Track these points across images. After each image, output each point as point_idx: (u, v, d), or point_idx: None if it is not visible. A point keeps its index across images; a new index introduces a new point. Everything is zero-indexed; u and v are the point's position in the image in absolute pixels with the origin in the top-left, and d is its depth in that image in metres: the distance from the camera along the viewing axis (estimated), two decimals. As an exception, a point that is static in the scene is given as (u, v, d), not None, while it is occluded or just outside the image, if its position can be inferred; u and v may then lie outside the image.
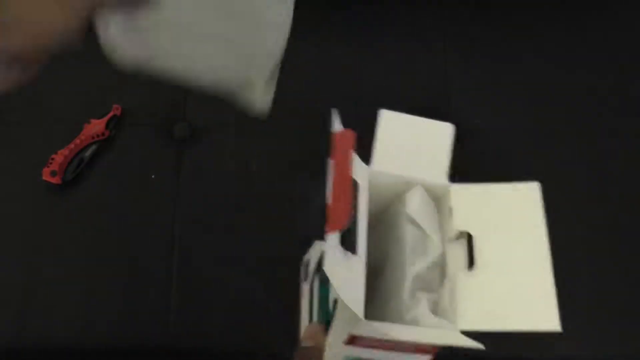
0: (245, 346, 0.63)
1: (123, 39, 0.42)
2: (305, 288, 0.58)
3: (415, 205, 0.45)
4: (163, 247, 0.66)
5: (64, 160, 0.67)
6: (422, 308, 0.42)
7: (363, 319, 0.37)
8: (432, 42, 0.72)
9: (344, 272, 0.38)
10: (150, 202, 0.67)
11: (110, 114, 0.69)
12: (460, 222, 0.45)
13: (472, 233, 0.44)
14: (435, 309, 0.44)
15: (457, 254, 0.45)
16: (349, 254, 0.39)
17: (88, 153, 0.68)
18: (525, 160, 0.67)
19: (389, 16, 0.73)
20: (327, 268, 0.35)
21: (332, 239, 0.37)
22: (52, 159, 0.67)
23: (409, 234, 0.45)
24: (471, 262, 0.43)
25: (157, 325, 0.64)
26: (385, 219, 0.49)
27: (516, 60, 0.71)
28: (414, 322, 0.42)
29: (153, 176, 0.68)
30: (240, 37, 0.41)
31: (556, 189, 0.67)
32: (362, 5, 0.74)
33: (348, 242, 0.39)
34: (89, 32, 0.68)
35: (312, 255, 0.57)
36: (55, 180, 0.66)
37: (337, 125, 0.43)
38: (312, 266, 0.56)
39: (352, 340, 0.41)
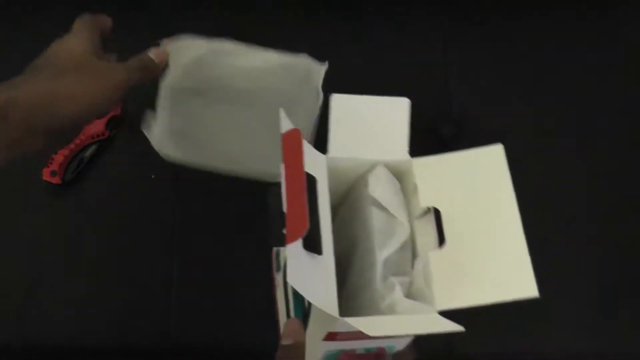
0: (246, 346, 0.63)
1: (165, 140, 0.54)
2: (278, 279, 0.56)
3: (378, 186, 0.44)
4: (163, 247, 0.66)
5: (64, 160, 0.67)
6: (396, 294, 0.41)
7: (339, 318, 0.36)
8: (431, 40, 0.72)
9: (312, 275, 0.37)
10: (150, 202, 0.67)
11: (110, 114, 0.69)
12: (426, 197, 0.44)
13: (439, 208, 0.43)
14: (411, 292, 0.43)
15: (426, 231, 0.44)
16: (315, 255, 0.38)
17: (88, 153, 0.68)
18: (526, 159, 0.67)
19: (388, 13, 0.73)
20: (291, 280, 0.34)
21: (293, 248, 0.36)
22: (52, 159, 0.67)
23: (374, 217, 0.43)
24: (441, 239, 0.42)
25: (157, 325, 0.64)
26: (349, 204, 0.48)
27: (517, 59, 0.71)
28: (390, 310, 0.41)
29: (153, 176, 0.67)
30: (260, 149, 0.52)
31: (556, 189, 0.67)
32: (360, 2, 0.74)
33: (312, 244, 0.38)
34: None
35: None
36: (55, 180, 0.66)
37: (284, 126, 0.41)
38: (283, 255, 0.54)
39: (331, 337, 0.40)
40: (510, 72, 0.71)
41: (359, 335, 0.38)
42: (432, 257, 0.42)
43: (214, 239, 0.66)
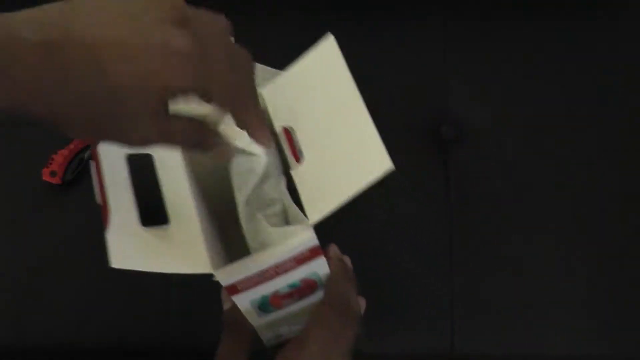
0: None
1: None
2: None
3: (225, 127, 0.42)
4: (163, 247, 0.66)
5: (64, 160, 0.67)
6: (262, 228, 0.40)
7: (214, 271, 0.36)
8: (431, 41, 0.72)
9: (155, 248, 0.37)
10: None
11: (110, 114, 0.69)
12: (278, 119, 0.43)
13: (292, 125, 0.42)
14: (288, 217, 0.42)
15: (285, 154, 0.43)
16: (161, 226, 0.38)
17: (88, 153, 0.68)
18: (526, 160, 0.67)
19: (388, 14, 0.73)
20: (117, 264, 0.35)
21: (111, 233, 0.36)
22: (52, 159, 0.67)
23: (232, 162, 0.43)
24: (298, 155, 0.41)
25: (157, 325, 0.64)
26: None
27: (518, 60, 0.71)
28: (265, 245, 0.40)
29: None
30: None
31: (557, 189, 0.67)
32: (360, 3, 0.74)
33: (155, 216, 0.38)
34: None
35: None
36: (55, 180, 0.66)
37: None
38: None
39: (233, 290, 0.40)
40: (511, 72, 0.71)
41: (260, 278, 0.39)
42: (295, 175, 0.41)
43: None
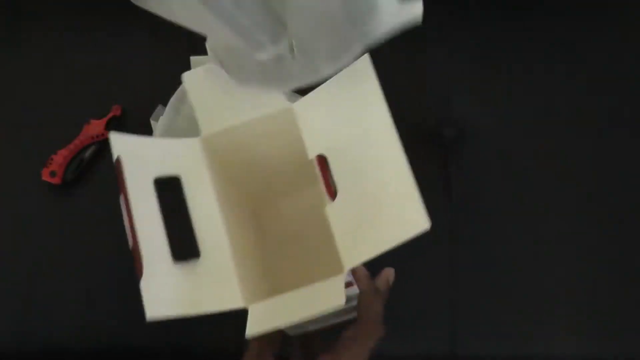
0: (247, 346, 0.63)
1: (166, 136, 0.54)
2: None
3: None
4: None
5: (63, 160, 0.67)
6: None
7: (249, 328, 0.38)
8: (432, 43, 0.72)
9: (191, 290, 0.38)
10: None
11: (110, 115, 0.69)
12: (312, 147, 0.41)
13: (326, 154, 0.40)
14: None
15: (319, 189, 0.41)
16: (190, 261, 0.38)
17: (88, 153, 0.68)
18: (526, 160, 0.67)
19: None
20: (155, 315, 0.35)
21: (144, 283, 0.37)
22: (52, 159, 0.67)
23: None
24: (332, 192, 0.40)
25: (157, 325, 0.64)
26: None
27: (519, 61, 0.71)
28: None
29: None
30: None
31: (557, 189, 0.67)
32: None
33: (183, 250, 0.38)
34: (88, 33, 0.69)
35: None
36: (55, 180, 0.66)
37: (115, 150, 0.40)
38: None
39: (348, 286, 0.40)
40: (512, 73, 0.70)
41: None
42: (329, 212, 0.40)
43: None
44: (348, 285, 0.40)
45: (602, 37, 0.72)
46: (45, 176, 0.66)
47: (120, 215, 0.67)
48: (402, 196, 0.38)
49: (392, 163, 0.38)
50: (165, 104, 0.66)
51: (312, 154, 0.41)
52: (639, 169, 0.67)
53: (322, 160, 0.41)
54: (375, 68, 0.41)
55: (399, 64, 0.71)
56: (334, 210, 0.40)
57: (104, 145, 0.69)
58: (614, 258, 0.64)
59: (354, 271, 0.42)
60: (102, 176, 0.68)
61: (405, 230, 0.36)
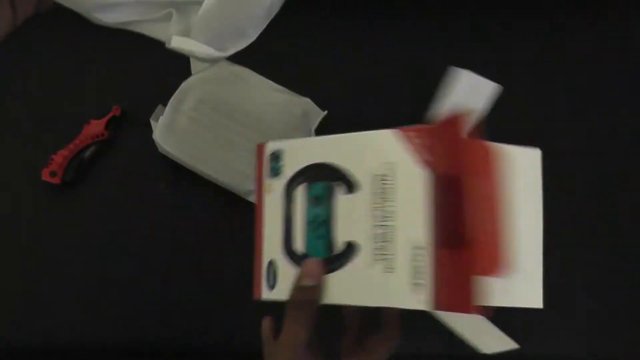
0: (247, 346, 0.63)
1: (166, 134, 0.64)
2: (273, 197, 0.45)
3: None
4: (163, 247, 0.66)
5: (63, 160, 0.67)
6: None
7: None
8: (432, 42, 0.72)
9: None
10: (150, 202, 0.67)
11: (110, 115, 0.69)
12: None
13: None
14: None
15: None
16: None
17: (88, 154, 0.68)
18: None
19: (388, 14, 0.73)
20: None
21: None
22: (52, 159, 0.67)
23: None
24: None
25: (157, 325, 0.64)
26: None
27: (519, 61, 0.71)
28: None
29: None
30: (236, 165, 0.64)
31: (558, 190, 0.67)
32: (360, 3, 0.74)
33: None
34: (88, 33, 0.69)
35: (287, 148, 0.44)
36: (55, 180, 0.66)
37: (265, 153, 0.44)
38: (293, 170, 0.43)
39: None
40: (511, 73, 0.70)
41: None
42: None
43: (214, 239, 0.66)
44: None
45: (602, 36, 0.72)
46: (45, 176, 0.66)
47: (119, 216, 0.68)
48: (528, 268, 0.40)
49: (529, 237, 0.41)
50: (165, 104, 0.66)
51: None
52: (639, 169, 0.67)
53: None
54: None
55: (398, 62, 0.71)
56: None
57: (104, 146, 0.69)
58: (615, 258, 0.65)
59: (306, 262, 0.42)
60: (101, 177, 0.68)
61: (515, 299, 0.39)
